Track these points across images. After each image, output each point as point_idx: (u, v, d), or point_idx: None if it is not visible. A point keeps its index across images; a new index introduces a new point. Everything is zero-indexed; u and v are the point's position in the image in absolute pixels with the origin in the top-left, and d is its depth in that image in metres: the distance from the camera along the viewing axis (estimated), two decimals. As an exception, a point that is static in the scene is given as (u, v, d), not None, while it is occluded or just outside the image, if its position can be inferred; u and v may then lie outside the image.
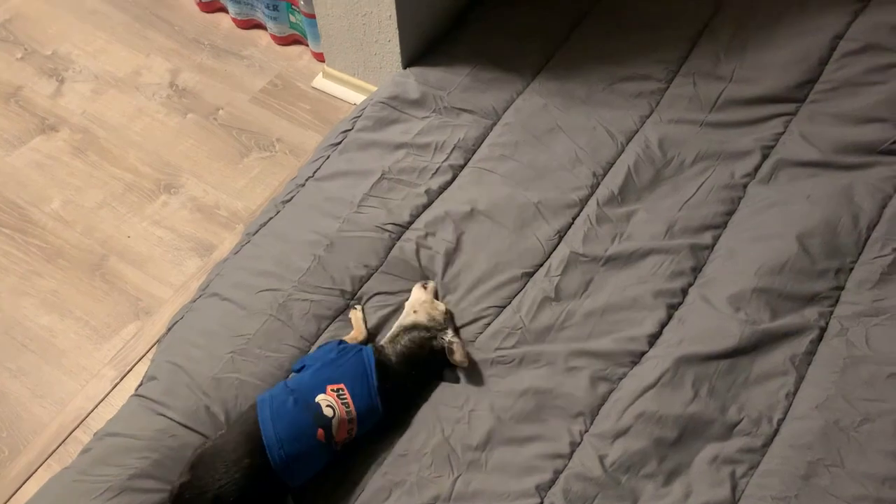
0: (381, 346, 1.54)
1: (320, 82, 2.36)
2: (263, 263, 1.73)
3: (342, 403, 1.40)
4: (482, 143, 1.91)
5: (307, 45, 2.43)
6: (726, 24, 2.03)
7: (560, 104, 1.96)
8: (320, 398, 1.40)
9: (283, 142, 2.26)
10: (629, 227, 1.75)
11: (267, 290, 1.66)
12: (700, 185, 1.82)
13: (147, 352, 1.91)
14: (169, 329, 1.68)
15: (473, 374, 1.56)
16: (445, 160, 1.88)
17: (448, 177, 1.85)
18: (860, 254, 1.67)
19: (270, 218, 1.83)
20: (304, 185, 1.87)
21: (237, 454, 1.35)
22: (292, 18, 2.38)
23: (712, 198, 1.79)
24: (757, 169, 1.84)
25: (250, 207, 2.13)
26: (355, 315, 1.63)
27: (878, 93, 1.84)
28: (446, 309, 1.62)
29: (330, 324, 1.63)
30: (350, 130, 1.95)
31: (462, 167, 1.88)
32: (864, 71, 1.87)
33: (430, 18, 2.08)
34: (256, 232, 1.81)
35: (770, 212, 1.75)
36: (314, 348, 1.59)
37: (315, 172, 1.89)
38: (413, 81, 2.02)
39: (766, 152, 1.86)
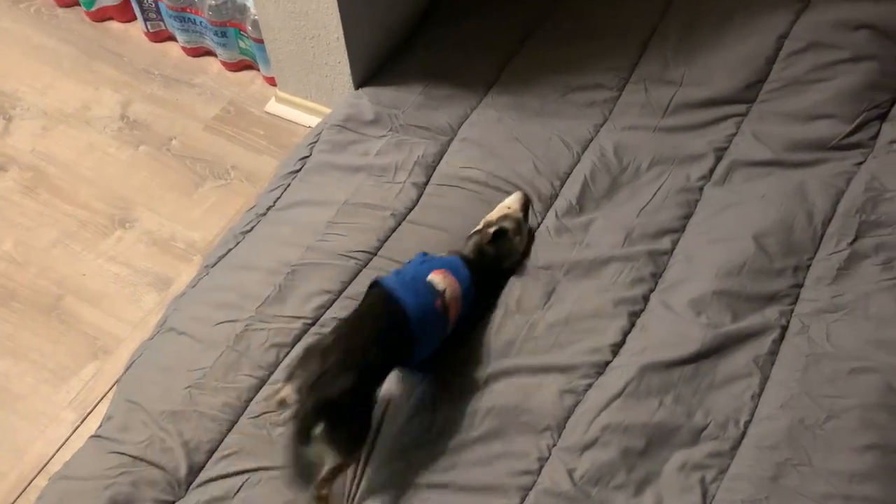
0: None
1: (273, 107, 2.34)
2: (222, 295, 1.70)
3: (449, 282, 1.53)
4: (441, 159, 1.90)
5: (258, 70, 2.41)
6: (673, 30, 2.04)
7: (515, 117, 1.96)
8: (431, 277, 1.52)
9: (238, 169, 2.24)
10: (588, 235, 1.74)
11: (225, 321, 1.64)
12: (657, 190, 1.82)
13: (107, 392, 1.87)
14: (127, 368, 1.65)
15: (441, 394, 1.53)
16: (408, 179, 1.86)
17: (413, 196, 1.84)
18: (817, 250, 1.68)
19: (230, 249, 1.80)
20: (264, 215, 1.85)
21: (372, 325, 1.43)
22: (241, 44, 2.36)
23: (669, 202, 1.79)
24: (712, 171, 1.85)
25: (207, 238, 2.10)
26: None
27: (824, 90, 1.86)
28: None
29: (289, 351, 1.60)
30: (308, 157, 1.94)
31: (425, 184, 1.86)
32: (809, 69, 1.89)
33: (379, 38, 2.07)
34: (215, 264, 1.78)
35: (726, 213, 1.76)
36: (276, 373, 1.56)
37: (276, 201, 1.87)
38: (367, 102, 2.01)
39: (720, 154, 1.86)
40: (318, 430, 1.31)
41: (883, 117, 1.87)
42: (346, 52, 1.98)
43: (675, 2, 2.07)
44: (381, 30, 2.07)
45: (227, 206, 2.16)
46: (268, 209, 1.87)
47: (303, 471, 1.34)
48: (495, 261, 1.66)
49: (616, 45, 2.05)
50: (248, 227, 1.84)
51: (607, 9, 2.12)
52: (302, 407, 1.31)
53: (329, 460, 1.35)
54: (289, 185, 1.91)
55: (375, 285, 1.52)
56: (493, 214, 1.72)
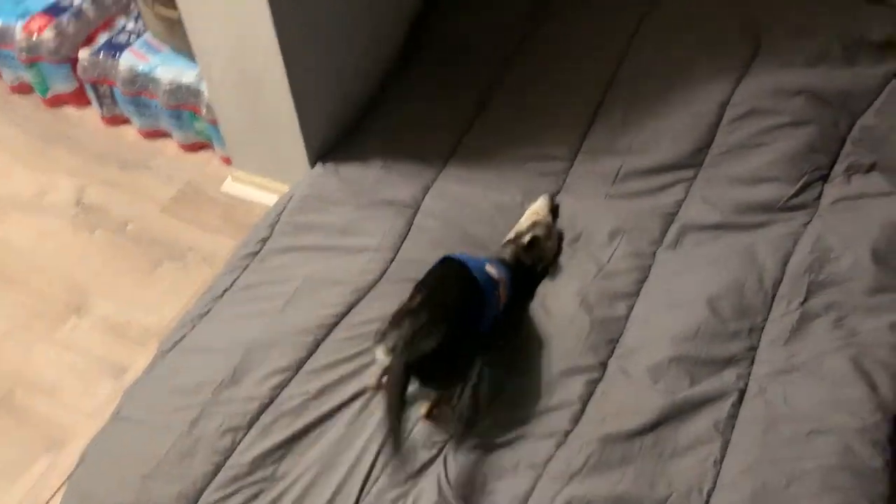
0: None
1: (230, 186, 2.34)
2: (177, 380, 1.67)
3: (500, 274, 1.67)
4: (407, 234, 1.91)
5: (215, 150, 2.42)
6: (619, 102, 2.10)
7: (473, 188, 2.00)
8: (487, 268, 1.66)
9: (195, 251, 2.23)
10: (547, 301, 1.75)
11: (180, 407, 1.60)
12: (610, 256, 1.84)
13: (60, 486, 1.80)
14: (80, 461, 1.60)
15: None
16: (372, 255, 1.86)
17: (377, 270, 1.84)
18: (769, 312, 1.70)
19: (185, 333, 1.78)
20: (221, 297, 1.84)
21: (455, 286, 1.59)
22: (197, 126, 2.38)
23: (623, 268, 1.81)
24: (663, 236, 1.88)
25: (164, 321, 2.07)
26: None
27: (767, 154, 1.91)
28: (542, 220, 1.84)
29: (245, 434, 1.57)
30: (268, 238, 1.94)
31: (391, 260, 1.87)
32: (752, 134, 1.95)
33: (333, 115, 2.10)
34: (171, 349, 1.75)
35: (679, 278, 1.78)
36: (233, 457, 1.54)
37: (233, 283, 1.85)
38: (326, 179, 2.03)
39: (671, 219, 1.90)
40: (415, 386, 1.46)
41: (825, 178, 1.92)
42: (300, 132, 2.00)
43: (619, 74, 2.13)
44: (335, 107, 2.10)
45: (184, 289, 2.14)
46: (224, 291, 1.85)
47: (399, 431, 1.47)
48: (531, 267, 1.80)
49: (565, 119, 2.11)
50: (204, 310, 1.82)
51: (552, 86, 2.17)
52: (397, 364, 1.44)
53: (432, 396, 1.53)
54: (247, 266, 1.90)
55: (447, 259, 1.66)
56: (524, 221, 1.85)
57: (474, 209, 1.95)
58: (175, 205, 2.34)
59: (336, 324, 1.74)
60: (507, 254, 1.78)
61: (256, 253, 1.92)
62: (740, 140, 1.95)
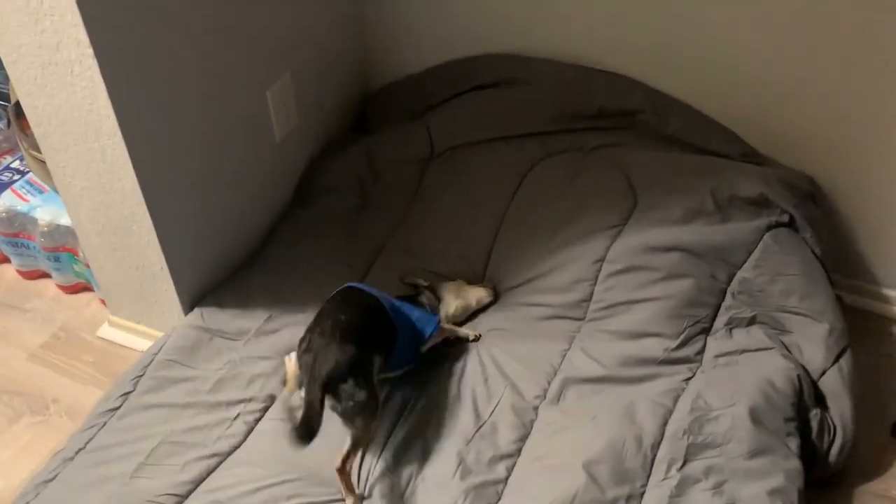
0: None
1: (106, 331, 2.23)
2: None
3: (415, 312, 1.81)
4: (281, 391, 1.81)
5: (95, 291, 2.32)
6: (502, 253, 2.09)
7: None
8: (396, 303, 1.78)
9: (59, 402, 2.08)
10: (425, 469, 1.66)
11: None
12: (493, 410, 1.77)
13: None
14: None
15: None
16: (238, 416, 1.76)
17: (240, 433, 1.73)
18: (648, 477, 1.63)
19: (28, 502, 1.63)
20: (72, 459, 1.70)
21: (355, 306, 1.69)
22: (76, 268, 2.29)
23: (505, 424, 1.74)
24: (546, 389, 1.82)
25: (13, 484, 1.89)
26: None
27: (646, 309, 1.90)
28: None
29: None
30: (131, 393, 1.82)
31: (258, 420, 1.76)
32: (631, 288, 1.93)
33: (211, 260, 2.03)
34: (10, 523, 1.60)
35: (559, 437, 1.71)
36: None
37: (87, 443, 1.72)
38: (200, 331, 1.92)
39: (553, 371, 1.85)
40: (329, 404, 1.51)
41: (707, 331, 1.91)
42: (172, 283, 1.92)
43: (502, 230, 2.13)
44: (213, 253, 2.03)
45: (42, 446, 1.98)
46: (77, 452, 1.71)
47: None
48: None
49: (460, 266, 2.09)
50: (51, 476, 1.67)
51: (446, 243, 2.15)
52: (310, 385, 1.50)
53: (347, 436, 1.55)
54: (105, 423, 1.77)
55: (348, 287, 1.73)
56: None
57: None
58: (45, 351, 2.21)
59: (191, 492, 1.62)
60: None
61: (116, 409, 1.79)
62: (620, 296, 1.93)
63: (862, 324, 2.15)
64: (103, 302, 2.29)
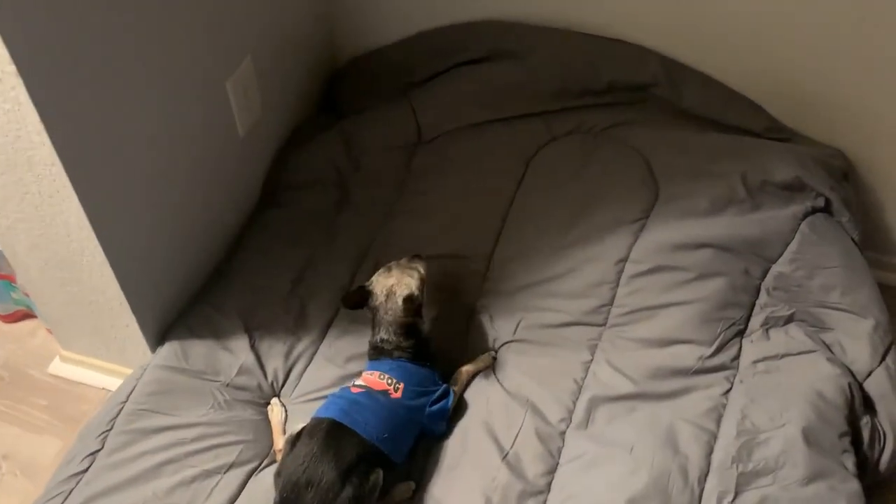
0: None
1: (58, 367, 1.95)
2: None
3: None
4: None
5: (39, 319, 2.03)
6: (504, 256, 1.87)
7: (349, 367, 1.72)
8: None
9: (11, 459, 1.81)
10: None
11: None
12: (515, 437, 1.58)
13: None
14: None
15: None
16: (228, 470, 1.55)
17: (230, 493, 1.53)
18: (698, 514, 1.47)
19: None
20: (36, 542, 1.46)
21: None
22: (14, 295, 1.99)
23: (529, 453, 1.56)
24: (571, 411, 1.64)
25: (-35, 567, 1.65)
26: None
27: (677, 314, 1.70)
28: None
29: None
30: (99, 451, 1.57)
31: (252, 472, 1.56)
32: (659, 291, 1.73)
33: (175, 287, 1.77)
34: None
35: (594, 472, 1.53)
36: None
37: (50, 517, 1.48)
38: (173, 371, 1.67)
39: (577, 388, 1.66)
40: None
41: (741, 333, 1.73)
42: (133, 316, 1.65)
43: (507, 225, 1.90)
44: (177, 278, 1.77)
45: (-6, 514, 1.73)
46: (37, 529, 1.48)
47: None
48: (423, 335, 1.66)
49: (452, 269, 1.84)
50: (12, 563, 1.44)
51: (441, 229, 1.92)
52: None
53: None
54: (71, 491, 1.52)
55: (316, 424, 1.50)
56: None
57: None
58: (-11, 394, 1.93)
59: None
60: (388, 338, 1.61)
61: (83, 472, 1.55)
62: (645, 300, 1.73)
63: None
64: (50, 331, 2.00)
